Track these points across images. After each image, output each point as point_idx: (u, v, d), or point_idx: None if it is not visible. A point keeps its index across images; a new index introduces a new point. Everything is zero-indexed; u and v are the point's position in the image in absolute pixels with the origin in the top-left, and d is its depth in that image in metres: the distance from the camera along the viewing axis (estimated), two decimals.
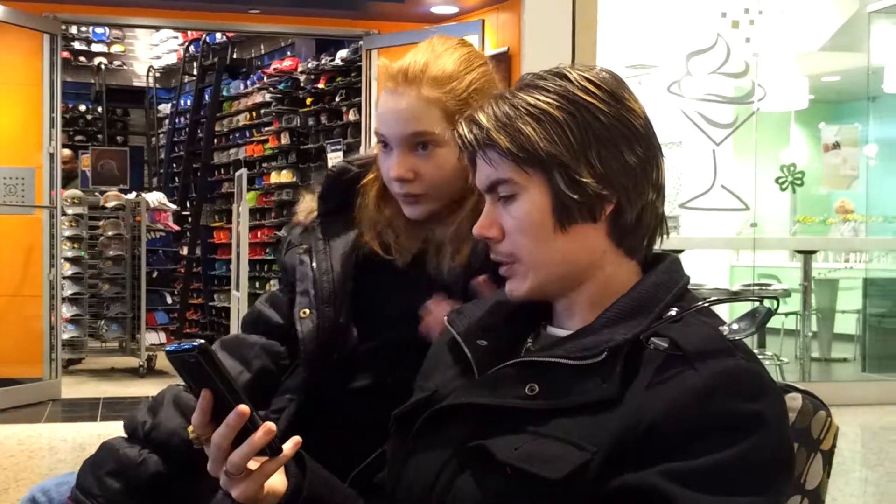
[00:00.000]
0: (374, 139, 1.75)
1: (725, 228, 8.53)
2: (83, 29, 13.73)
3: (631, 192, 1.26)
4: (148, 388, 7.72)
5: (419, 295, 1.68)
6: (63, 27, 7.59)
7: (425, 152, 1.66)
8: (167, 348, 1.18)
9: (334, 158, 8.09)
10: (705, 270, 8.60)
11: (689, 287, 1.30)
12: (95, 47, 14.16)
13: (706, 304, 1.26)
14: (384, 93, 1.69)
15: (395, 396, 1.42)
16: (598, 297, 1.28)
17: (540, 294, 1.31)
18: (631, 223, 1.27)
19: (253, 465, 1.19)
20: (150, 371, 8.50)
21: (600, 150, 1.24)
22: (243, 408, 1.16)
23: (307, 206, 1.87)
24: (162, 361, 8.68)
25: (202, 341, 1.16)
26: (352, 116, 9.37)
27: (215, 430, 1.18)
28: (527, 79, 1.30)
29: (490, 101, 1.30)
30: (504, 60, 6.63)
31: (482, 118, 1.28)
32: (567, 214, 1.25)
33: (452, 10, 6.97)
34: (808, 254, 7.93)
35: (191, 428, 1.22)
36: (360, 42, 7.66)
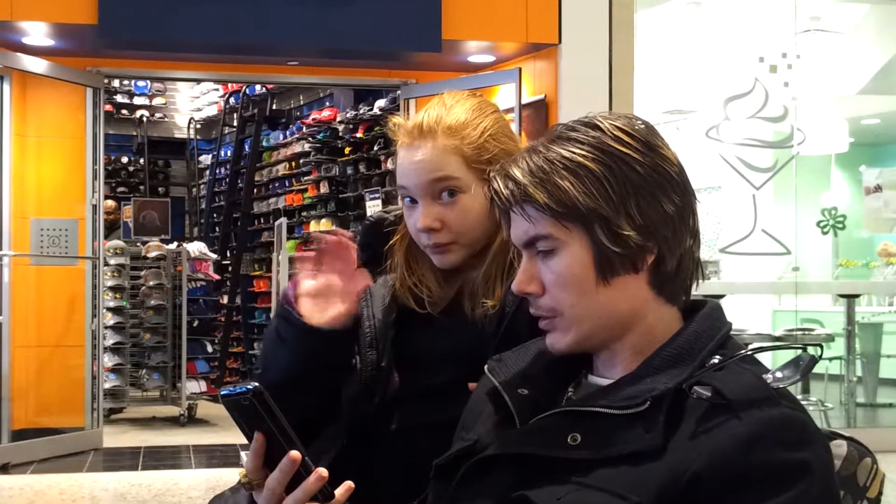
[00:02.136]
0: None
1: (767, 273, 8.46)
2: (125, 82, 13.94)
3: (671, 241, 1.25)
4: (188, 437, 7.74)
5: (457, 340, 1.71)
6: (106, 81, 7.72)
7: (451, 199, 1.69)
8: (221, 392, 1.19)
9: (373, 206, 8.14)
10: (747, 315, 8.52)
11: (731, 333, 1.29)
12: (137, 100, 14.37)
13: (749, 353, 1.24)
14: (401, 150, 1.72)
15: (435, 441, 1.43)
16: (640, 346, 1.27)
17: (581, 347, 1.30)
18: (671, 271, 1.27)
19: None
20: (190, 420, 8.52)
21: (639, 201, 1.24)
22: (295, 454, 1.17)
23: None
24: (203, 410, 8.70)
25: (256, 384, 1.17)
26: (390, 165, 9.42)
27: (268, 473, 1.19)
28: (558, 130, 1.30)
29: (523, 155, 1.29)
30: (541, 108, 6.65)
31: (517, 173, 1.27)
32: (609, 267, 1.24)
33: (489, 59, 7.00)
34: (851, 298, 7.84)
35: (242, 471, 1.23)
36: (398, 91, 7.71)
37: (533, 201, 1.25)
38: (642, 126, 1.28)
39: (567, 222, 1.24)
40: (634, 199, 1.23)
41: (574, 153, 1.25)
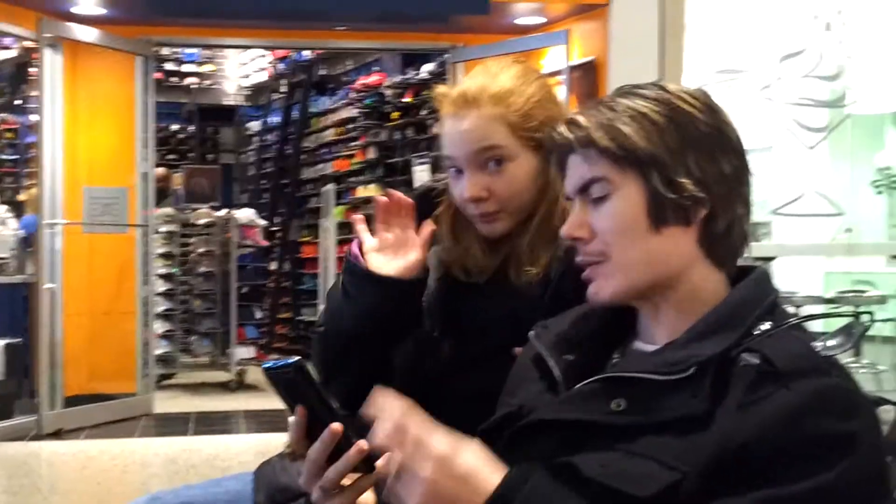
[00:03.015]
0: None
1: (819, 234, 8.34)
2: (175, 50, 14.00)
3: (724, 200, 1.25)
4: (238, 403, 7.83)
5: (503, 307, 1.71)
6: (155, 49, 7.75)
7: (497, 168, 1.69)
8: (264, 365, 1.22)
9: (420, 171, 8.12)
10: (799, 277, 8.42)
11: (783, 295, 1.27)
12: (186, 67, 14.43)
13: (799, 320, 1.22)
14: (447, 119, 1.73)
15: (482, 408, 1.42)
16: (685, 306, 1.26)
17: (625, 297, 1.29)
18: (721, 232, 1.26)
19: (347, 480, 1.21)
20: (240, 385, 8.61)
21: (698, 156, 1.24)
22: (336, 426, 1.19)
23: None
24: (252, 376, 8.79)
25: (298, 358, 1.19)
26: (437, 129, 9.38)
27: (310, 444, 1.21)
28: (627, 87, 1.31)
29: (588, 106, 1.30)
30: (590, 70, 6.58)
31: (581, 119, 1.28)
32: (661, 214, 1.24)
33: (538, 20, 6.94)
34: None
35: (287, 442, 1.24)
36: (446, 55, 7.67)
37: (594, 144, 1.25)
38: (705, 95, 1.30)
39: (625, 167, 1.25)
40: (694, 152, 1.24)
41: (639, 104, 1.26)
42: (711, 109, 1.27)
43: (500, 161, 1.68)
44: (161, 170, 9.36)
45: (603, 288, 1.28)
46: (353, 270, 1.69)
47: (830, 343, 1.17)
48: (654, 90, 1.29)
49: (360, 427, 1.22)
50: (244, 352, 8.82)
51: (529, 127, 1.69)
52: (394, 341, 1.74)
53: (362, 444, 1.19)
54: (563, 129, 1.30)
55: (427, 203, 1.83)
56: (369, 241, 1.71)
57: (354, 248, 1.72)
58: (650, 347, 1.28)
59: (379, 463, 1.21)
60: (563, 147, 1.30)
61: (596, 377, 1.25)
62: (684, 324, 1.24)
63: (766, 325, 1.19)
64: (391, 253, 1.70)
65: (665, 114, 1.25)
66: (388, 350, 1.75)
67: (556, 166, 1.34)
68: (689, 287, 1.27)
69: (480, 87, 1.70)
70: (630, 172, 1.25)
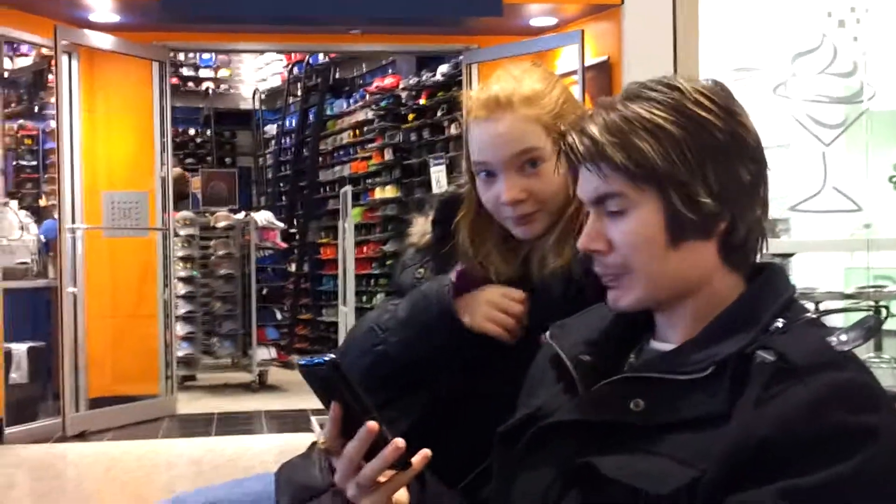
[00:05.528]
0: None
1: (838, 230, 8.31)
2: (191, 55, 14.07)
3: (744, 209, 1.24)
4: (260, 403, 7.87)
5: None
6: (171, 54, 7.80)
7: (534, 170, 1.68)
8: (299, 362, 1.22)
9: (437, 172, 8.13)
10: (819, 273, 8.39)
11: (802, 290, 1.27)
12: (203, 72, 14.51)
13: (814, 316, 1.23)
14: (477, 123, 1.71)
15: (499, 407, 1.43)
16: (703, 312, 1.26)
17: (643, 307, 1.29)
18: (741, 240, 1.25)
19: (382, 477, 1.21)
20: (262, 386, 8.65)
21: (716, 168, 1.22)
22: (373, 424, 1.18)
23: (420, 228, 1.92)
24: (273, 376, 8.83)
25: (333, 356, 1.19)
26: (453, 130, 9.41)
27: (345, 441, 1.21)
28: (636, 89, 1.27)
29: (599, 111, 1.26)
30: (604, 69, 6.58)
31: (594, 129, 1.24)
32: (680, 232, 1.23)
33: (551, 21, 6.94)
34: None
35: (321, 439, 1.25)
36: (461, 57, 7.69)
37: (609, 160, 1.23)
38: (721, 91, 1.26)
39: (642, 183, 1.22)
40: (712, 165, 1.21)
41: (654, 114, 1.22)
42: (728, 113, 1.24)
43: (536, 162, 1.68)
44: (177, 170, 9.41)
45: (624, 297, 1.28)
46: (445, 308, 1.70)
47: (844, 338, 1.16)
48: (666, 93, 1.24)
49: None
50: (265, 353, 8.85)
51: (559, 127, 1.67)
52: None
53: (399, 442, 1.19)
54: (574, 139, 1.27)
55: (452, 211, 1.83)
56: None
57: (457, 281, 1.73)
58: (666, 347, 1.28)
59: (415, 460, 1.22)
60: (577, 158, 1.27)
61: (614, 377, 1.25)
62: (700, 323, 1.25)
63: (782, 322, 1.19)
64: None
65: (681, 124, 1.22)
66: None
67: (568, 171, 1.32)
68: (708, 294, 1.26)
69: (511, 90, 1.69)
70: (647, 189, 1.22)
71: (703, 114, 1.22)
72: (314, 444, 1.81)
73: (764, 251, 1.30)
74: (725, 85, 1.29)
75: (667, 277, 1.25)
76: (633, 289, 1.27)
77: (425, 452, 1.24)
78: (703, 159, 1.21)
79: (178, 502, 1.85)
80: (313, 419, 6.49)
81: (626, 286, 1.27)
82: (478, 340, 1.68)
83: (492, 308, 1.68)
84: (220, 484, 1.93)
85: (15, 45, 7.63)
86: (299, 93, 12.69)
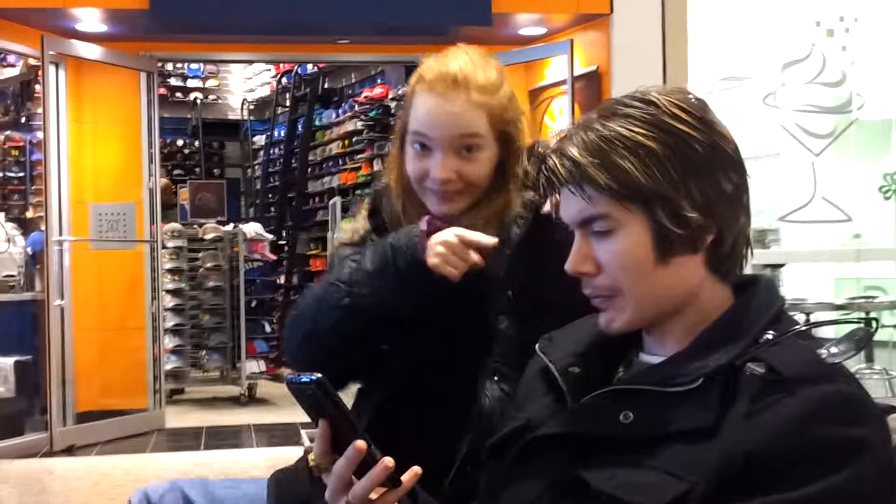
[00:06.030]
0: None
1: (828, 241, 8.32)
2: (178, 66, 14.05)
3: (729, 220, 1.24)
4: (249, 417, 7.83)
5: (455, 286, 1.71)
6: (159, 65, 7.77)
7: (469, 154, 1.72)
8: (287, 378, 1.23)
9: None
10: (809, 284, 8.40)
11: (792, 301, 1.27)
12: (191, 83, 14.49)
13: (803, 328, 1.22)
14: (429, 95, 1.72)
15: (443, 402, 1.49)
16: (693, 324, 1.26)
17: (636, 326, 1.29)
18: (728, 250, 1.25)
19: (373, 495, 1.21)
20: (251, 399, 8.61)
21: (699, 181, 1.22)
22: (361, 444, 1.19)
23: (351, 227, 1.96)
24: (263, 389, 8.79)
25: (319, 375, 1.19)
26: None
27: (335, 458, 1.21)
28: (612, 106, 1.26)
29: (577, 132, 1.26)
30: (594, 79, 6.58)
31: (574, 151, 1.24)
32: (669, 248, 1.23)
33: (540, 31, 6.94)
34: None
35: (311, 456, 1.25)
36: None
37: (592, 181, 1.22)
38: (696, 102, 1.26)
39: (627, 203, 1.22)
40: (695, 178, 1.22)
41: (633, 131, 1.22)
42: (706, 124, 1.24)
43: (472, 149, 1.72)
44: (163, 180, 9.39)
45: (616, 319, 1.28)
46: (412, 251, 1.69)
47: (834, 350, 1.17)
48: (642, 108, 1.24)
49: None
50: (254, 365, 8.81)
51: (504, 120, 1.73)
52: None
53: (388, 461, 1.19)
54: (555, 162, 1.26)
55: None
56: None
57: (424, 227, 1.72)
58: (656, 359, 1.28)
59: (405, 477, 1.22)
60: (559, 181, 1.26)
61: (603, 390, 1.25)
62: (690, 335, 1.25)
63: (772, 334, 1.19)
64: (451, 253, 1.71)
65: (661, 140, 1.21)
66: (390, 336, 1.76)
67: (546, 193, 1.32)
68: (697, 306, 1.27)
69: (470, 73, 1.71)
70: (633, 208, 1.22)
71: (682, 127, 1.22)
72: (308, 452, 1.81)
73: (749, 259, 1.31)
74: (700, 97, 1.29)
75: (657, 295, 1.25)
76: (625, 310, 1.27)
77: (415, 470, 1.24)
78: (686, 173, 1.21)
79: (174, 488, 1.88)
80: (303, 433, 6.46)
81: (618, 307, 1.27)
82: (447, 285, 1.68)
83: (447, 249, 1.67)
84: (218, 480, 1.93)
85: (2, 56, 7.60)
86: (288, 103, 12.69)
